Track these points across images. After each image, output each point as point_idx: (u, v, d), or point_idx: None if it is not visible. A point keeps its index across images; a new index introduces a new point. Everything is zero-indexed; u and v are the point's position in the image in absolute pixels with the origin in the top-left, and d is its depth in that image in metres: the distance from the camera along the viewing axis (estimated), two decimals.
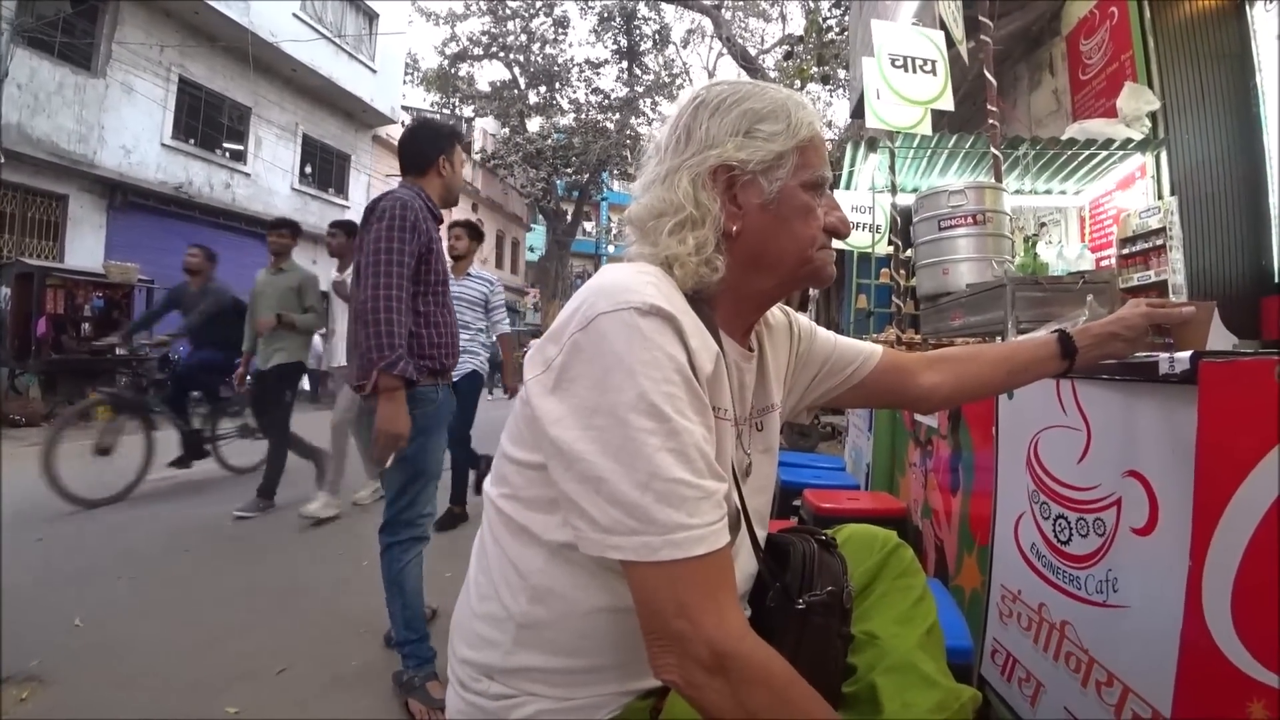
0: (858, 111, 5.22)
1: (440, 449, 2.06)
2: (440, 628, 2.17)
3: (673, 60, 23.49)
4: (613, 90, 23.43)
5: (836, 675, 0.82)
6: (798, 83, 12.65)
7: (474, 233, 3.95)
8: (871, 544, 0.99)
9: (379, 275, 1.79)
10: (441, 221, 2.08)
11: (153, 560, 3.06)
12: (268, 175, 13.26)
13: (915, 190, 4.76)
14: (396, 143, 2.15)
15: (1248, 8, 3.77)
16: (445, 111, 24.15)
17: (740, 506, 0.80)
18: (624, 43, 22.70)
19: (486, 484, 0.82)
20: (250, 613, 2.50)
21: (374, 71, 15.66)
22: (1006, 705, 1.47)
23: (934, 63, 4.34)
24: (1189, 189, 3.83)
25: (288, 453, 4.16)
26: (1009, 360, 1.07)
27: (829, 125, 17.55)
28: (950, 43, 4.29)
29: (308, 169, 14.72)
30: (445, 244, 3.21)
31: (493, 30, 22.05)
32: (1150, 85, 3.97)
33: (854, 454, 3.61)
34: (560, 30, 22.57)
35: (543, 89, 22.93)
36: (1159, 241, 3.62)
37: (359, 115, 15.97)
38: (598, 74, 23.37)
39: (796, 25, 18.22)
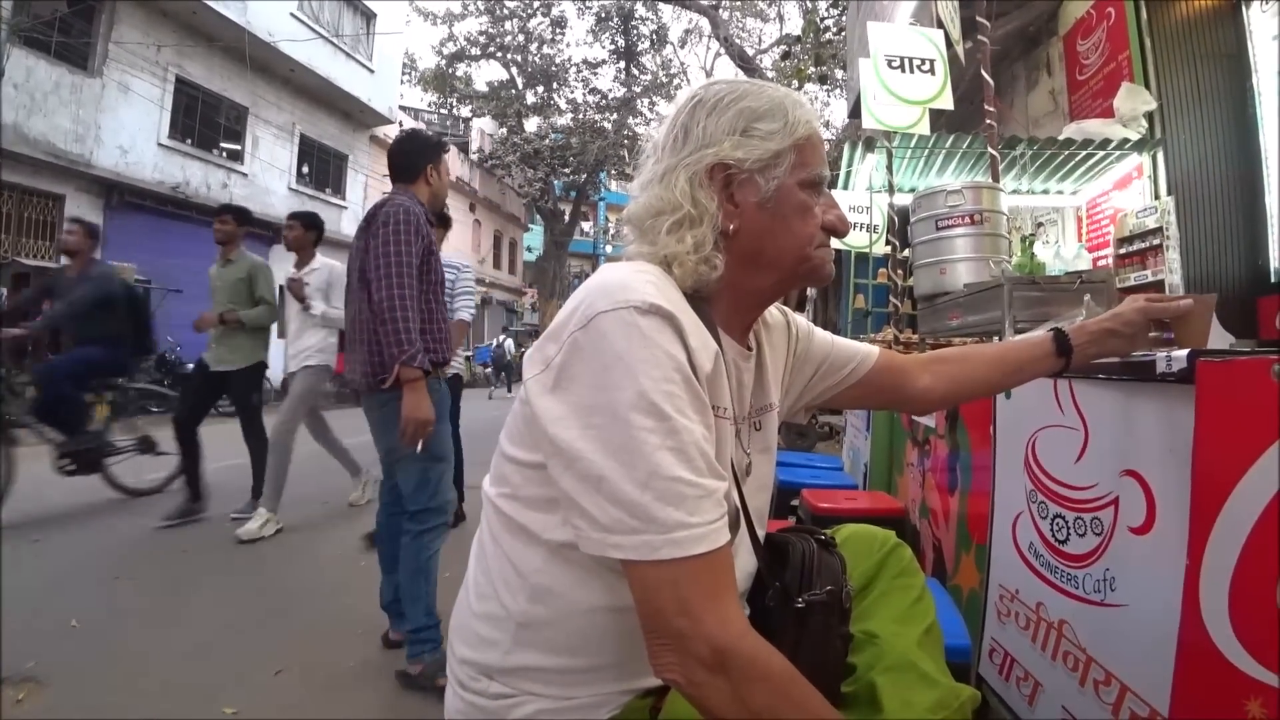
0: (855, 111, 5.24)
1: (449, 435, 2.21)
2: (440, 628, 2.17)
3: (670, 60, 23.57)
4: (610, 90, 23.53)
5: (836, 674, 0.82)
6: (795, 83, 12.67)
7: (441, 219, 3.70)
8: (870, 544, 1.00)
9: (391, 277, 1.93)
10: (435, 226, 2.21)
11: (150, 561, 3.05)
12: (265, 175, 13.24)
13: (913, 190, 4.77)
14: (388, 150, 2.33)
15: (1244, 8, 3.78)
16: (443, 111, 24.16)
17: (740, 505, 0.80)
18: (621, 43, 22.75)
19: (485, 483, 0.82)
20: (247, 613, 2.50)
21: (371, 71, 15.65)
22: (1005, 704, 1.47)
23: (932, 62, 4.35)
24: (1186, 189, 3.84)
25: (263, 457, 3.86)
26: (1004, 359, 1.07)
27: (826, 125, 17.55)
28: (949, 42, 4.30)
29: (305, 169, 14.71)
30: None
31: (490, 30, 22.09)
32: (1147, 85, 3.99)
33: (852, 454, 3.62)
34: (558, 30, 22.63)
35: (540, 89, 22.97)
36: (1156, 241, 3.63)
37: (356, 115, 15.96)
38: (595, 74, 23.47)
39: (794, 25, 18.26)
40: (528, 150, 21.82)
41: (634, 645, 0.66)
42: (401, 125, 17.82)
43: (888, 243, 5.11)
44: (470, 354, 19.74)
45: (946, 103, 4.33)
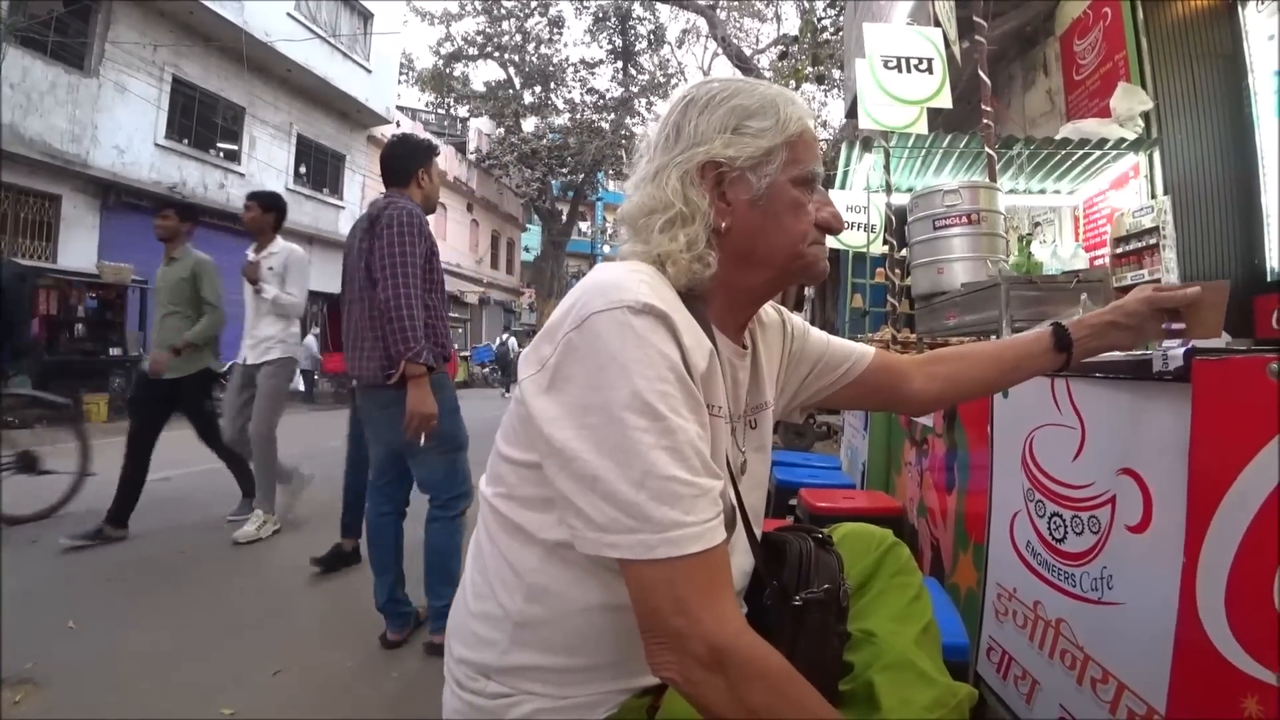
0: (853, 111, 5.24)
1: (462, 423, 2.31)
2: None
3: (668, 60, 23.60)
4: (608, 90, 23.54)
5: (833, 673, 0.82)
6: (793, 83, 12.68)
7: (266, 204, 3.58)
8: (868, 542, 1.00)
9: (397, 276, 2.01)
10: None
11: (147, 563, 3.05)
12: (262, 175, 13.21)
13: (910, 190, 4.77)
14: (380, 155, 2.38)
15: (1240, 8, 3.78)
16: (440, 111, 24.14)
17: (736, 503, 0.80)
18: (619, 43, 22.76)
19: (482, 483, 0.82)
20: (245, 614, 2.49)
21: (369, 71, 15.63)
22: (1002, 703, 1.47)
23: (930, 61, 4.35)
24: (1182, 188, 3.85)
25: (240, 454, 3.70)
26: (1001, 357, 1.06)
27: (824, 125, 17.58)
28: (946, 42, 4.30)
29: (302, 169, 14.69)
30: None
31: (488, 30, 22.08)
32: (1143, 85, 3.99)
33: (849, 453, 3.62)
34: (555, 30, 22.63)
35: (538, 89, 22.97)
36: (1152, 241, 3.64)
37: (354, 115, 15.94)
38: (593, 74, 23.49)
39: (791, 25, 18.25)
40: (525, 150, 21.82)
41: (631, 644, 0.66)
42: (399, 125, 17.84)
43: (885, 242, 5.11)
44: (468, 354, 19.74)
45: (945, 101, 4.33)
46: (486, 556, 0.79)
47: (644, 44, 22.94)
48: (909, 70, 4.30)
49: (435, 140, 21.20)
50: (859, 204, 5.85)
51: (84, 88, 9.87)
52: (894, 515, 2.28)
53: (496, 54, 22.47)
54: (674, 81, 22.80)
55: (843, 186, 6.14)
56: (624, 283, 0.68)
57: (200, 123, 12.06)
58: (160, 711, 1.82)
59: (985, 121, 3.73)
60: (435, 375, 2.12)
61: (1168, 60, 3.98)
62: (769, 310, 0.97)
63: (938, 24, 4.36)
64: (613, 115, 22.90)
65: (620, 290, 0.67)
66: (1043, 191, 4.89)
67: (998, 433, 1.60)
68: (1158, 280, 3.57)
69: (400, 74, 19.47)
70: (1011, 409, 1.53)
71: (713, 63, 23.01)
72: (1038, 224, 5.01)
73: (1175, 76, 3.96)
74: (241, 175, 12.73)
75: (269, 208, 3.60)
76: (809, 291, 11.19)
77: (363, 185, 16.66)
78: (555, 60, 22.90)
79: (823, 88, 15.65)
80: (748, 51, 17.82)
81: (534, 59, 22.58)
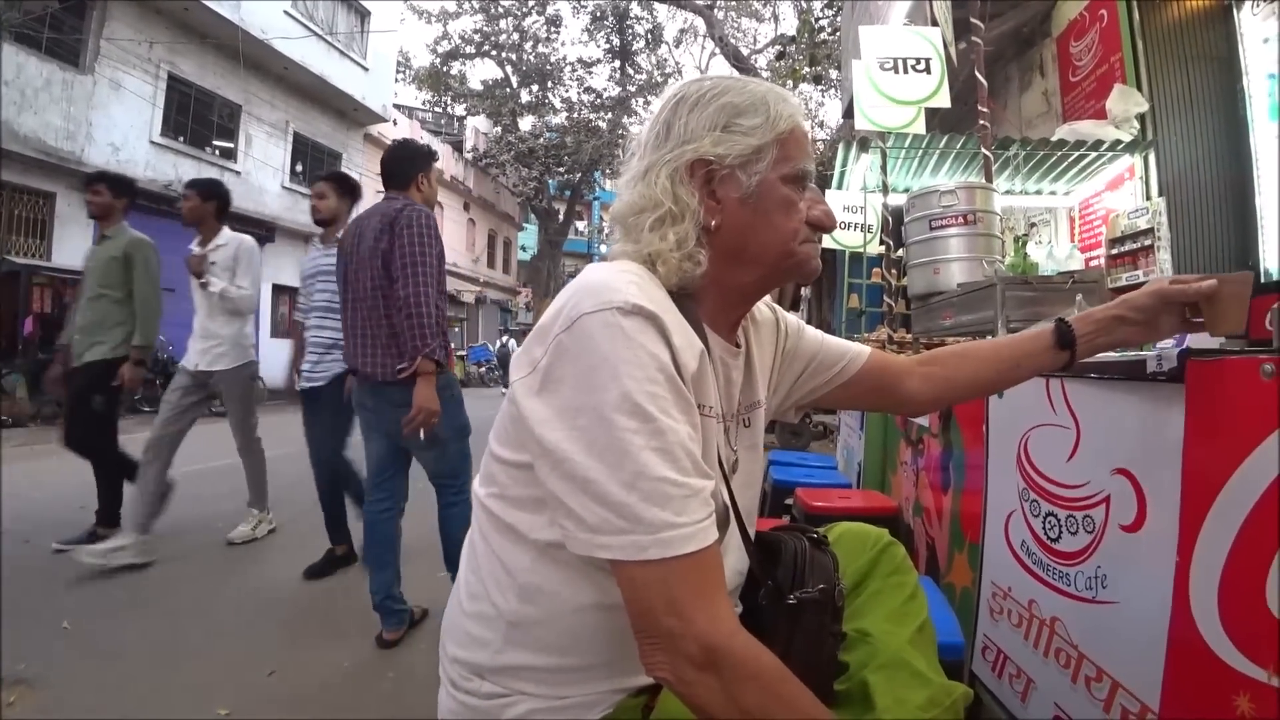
0: (850, 112, 5.25)
1: (465, 412, 2.39)
2: (432, 627, 2.17)
3: (665, 60, 23.59)
4: (605, 89, 23.50)
5: (828, 672, 0.82)
6: (790, 83, 12.68)
7: (344, 187, 3.08)
8: (863, 542, 1.00)
9: (418, 275, 2.10)
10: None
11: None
12: (258, 173, 13.17)
13: (907, 190, 4.78)
14: (380, 158, 2.44)
15: (1235, 10, 3.80)
16: (437, 110, 24.09)
17: (730, 503, 0.80)
18: (616, 42, 22.73)
19: (475, 484, 0.82)
20: (240, 614, 2.49)
21: (365, 69, 15.59)
22: (998, 701, 1.48)
23: (928, 61, 4.36)
24: (1177, 190, 3.87)
25: (121, 471, 3.25)
26: (999, 357, 1.02)
27: (821, 125, 17.59)
28: (944, 41, 4.31)
29: (299, 167, 14.63)
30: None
31: (485, 28, 22.04)
32: (1139, 87, 4.01)
33: (846, 453, 3.63)
34: (553, 29, 22.58)
35: (535, 88, 22.94)
36: (1147, 242, 3.65)
37: (350, 113, 15.90)
38: (590, 73, 23.42)
39: (789, 25, 18.26)
40: (522, 149, 21.80)
41: (625, 644, 0.66)
42: (395, 123, 17.81)
43: (882, 242, 5.13)
44: (464, 353, 19.72)
45: (943, 100, 4.33)
46: (480, 556, 0.79)
47: (641, 43, 22.92)
48: (906, 71, 4.31)
49: (432, 138, 21.07)
50: (856, 204, 5.86)
51: (79, 85, 9.82)
52: (890, 515, 2.28)
53: (494, 52, 22.44)
54: (671, 81, 22.78)
55: (840, 187, 6.15)
56: (613, 283, 0.68)
57: (196, 120, 12.01)
58: (156, 712, 1.81)
59: (982, 122, 3.74)
60: (443, 373, 2.19)
61: (1163, 62, 4.00)
62: (763, 308, 0.96)
63: (935, 23, 4.37)
64: (610, 114, 22.88)
65: (610, 291, 0.67)
66: (1039, 192, 4.91)
67: (993, 433, 1.61)
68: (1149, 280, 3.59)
69: (397, 72, 19.43)
70: (1007, 409, 1.54)
71: (710, 62, 23.03)
72: (1034, 225, 5.02)
73: (1170, 79, 3.98)
74: (238, 173, 12.69)
75: (209, 195, 3.30)
76: (805, 291, 11.20)
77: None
78: (552, 59, 22.88)
79: (820, 88, 15.67)
80: (745, 51, 17.83)
81: (531, 58, 22.55)
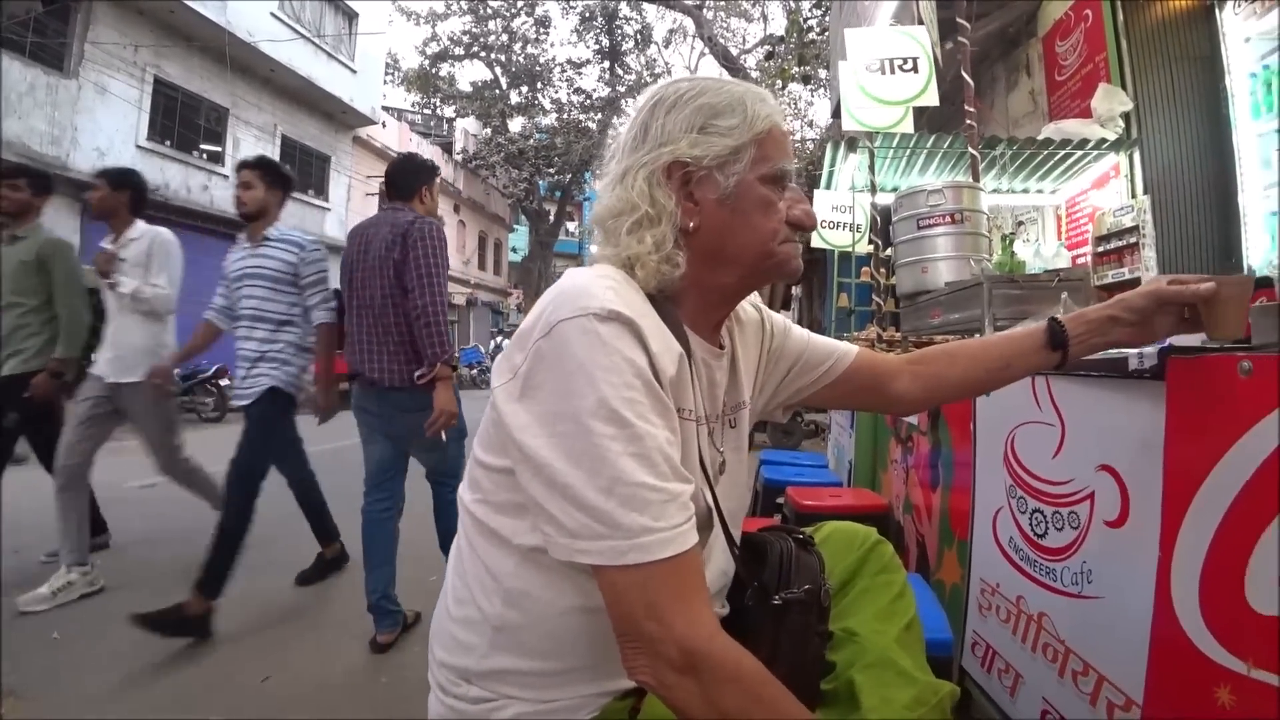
0: (838, 111, 5.27)
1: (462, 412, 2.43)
2: (424, 632, 2.16)
3: (655, 60, 23.55)
4: (595, 90, 23.49)
5: (815, 672, 0.83)
6: (779, 83, 12.72)
7: (273, 176, 2.72)
8: (851, 541, 1.00)
9: (432, 286, 2.19)
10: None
11: (130, 569, 3.01)
12: None
13: (895, 189, 4.81)
14: (385, 170, 2.52)
15: (1217, 10, 3.84)
16: (426, 112, 24.00)
17: (713, 505, 0.80)
18: (606, 42, 22.73)
19: (461, 489, 0.82)
20: (232, 620, 2.47)
21: (354, 72, 15.52)
22: (987, 696, 1.49)
23: (915, 60, 4.37)
24: (1161, 188, 3.91)
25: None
26: (989, 356, 1.00)
27: (810, 125, 17.65)
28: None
29: (287, 170, 14.55)
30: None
31: (474, 30, 21.99)
32: (1123, 86, 4.04)
33: (836, 451, 3.65)
34: (542, 30, 22.57)
35: (524, 89, 22.91)
36: (1132, 239, 3.68)
37: (339, 116, 15.82)
38: (580, 74, 23.42)
39: (778, 25, 18.34)
40: (512, 150, 21.75)
41: (609, 647, 0.66)
42: (384, 125, 17.73)
43: (870, 242, 5.15)
44: (457, 355, 19.62)
45: (932, 99, 4.34)
46: (465, 561, 0.79)
47: (631, 44, 22.93)
48: (893, 72, 4.33)
49: (421, 140, 20.95)
50: (844, 204, 5.88)
51: (63, 89, 9.73)
52: (880, 512, 2.29)
53: (483, 54, 22.38)
54: (661, 82, 22.81)
55: (828, 186, 6.18)
56: (591, 289, 0.68)
57: (183, 124, 11.92)
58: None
59: (969, 122, 3.77)
60: (458, 377, 2.34)
61: (1147, 62, 4.04)
62: (748, 308, 0.96)
63: (922, 22, 4.40)
64: (600, 115, 22.87)
65: (586, 297, 0.67)
66: (1025, 191, 4.95)
67: (980, 430, 1.62)
68: (1137, 278, 3.62)
69: (386, 74, 19.35)
70: (994, 407, 1.55)
71: (699, 63, 23.05)
72: (1021, 223, 5.06)
73: (1154, 78, 4.02)
74: (225, 177, 12.59)
75: (121, 185, 2.93)
76: (796, 290, 11.25)
77: (348, 187, 16.54)
78: (542, 60, 22.84)
79: (809, 87, 15.71)
80: (734, 51, 17.86)
81: (520, 59, 22.51)
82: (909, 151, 4.63)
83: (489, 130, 22.83)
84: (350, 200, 16.62)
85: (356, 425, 2.41)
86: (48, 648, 2.22)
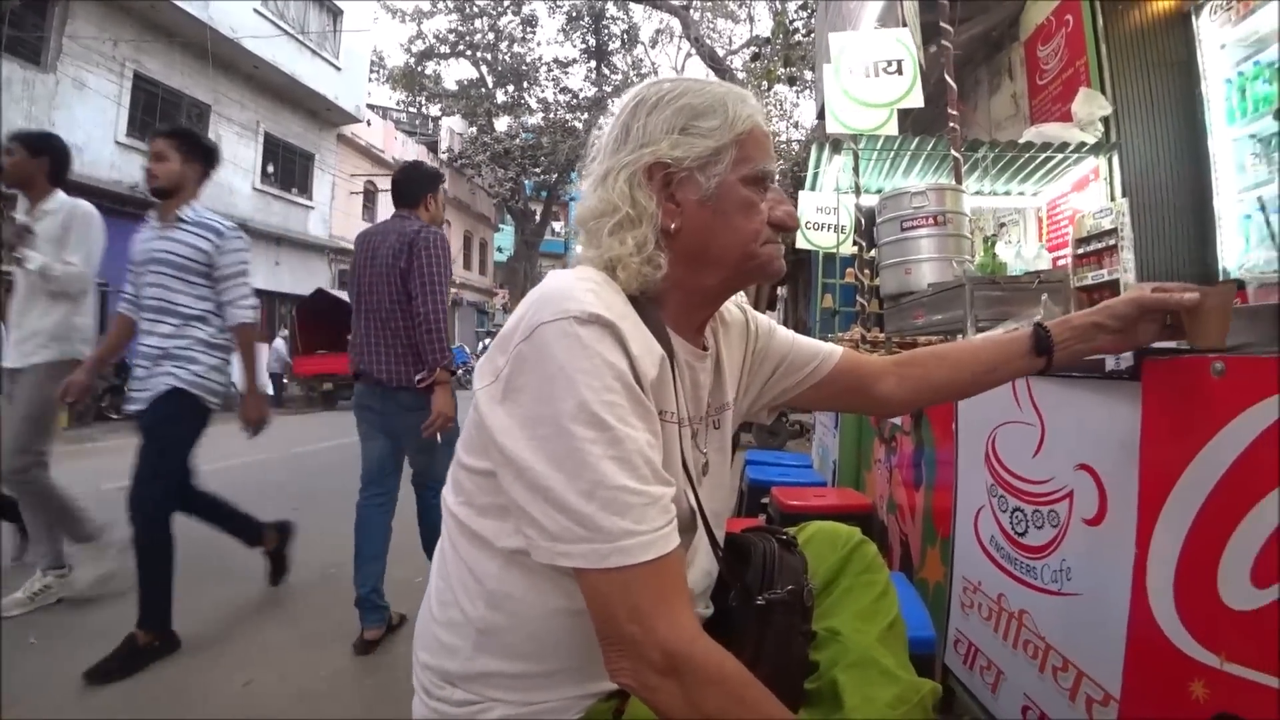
0: (823, 113, 5.31)
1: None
2: (410, 634, 2.15)
3: (641, 60, 23.59)
4: (581, 90, 23.47)
5: (799, 672, 0.83)
6: (765, 84, 12.76)
7: (191, 148, 2.38)
8: (835, 541, 1.00)
9: (435, 294, 2.26)
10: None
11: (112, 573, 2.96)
12: (228, 175, 12.90)
13: (879, 191, 4.85)
14: (391, 177, 2.56)
15: (1194, 17, 3.91)
16: (411, 110, 23.85)
17: (696, 507, 0.80)
18: (592, 42, 22.71)
19: (445, 491, 0.82)
20: (213, 624, 2.45)
21: (338, 69, 15.41)
22: (969, 693, 1.51)
23: (900, 62, 4.39)
24: (1139, 191, 3.97)
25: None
26: (976, 360, 1.00)
27: (795, 126, 17.75)
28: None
29: (270, 168, 14.41)
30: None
31: (460, 28, 21.88)
32: (1103, 91, 4.10)
33: (821, 451, 3.67)
34: (528, 29, 22.51)
35: (510, 88, 22.83)
36: (1112, 242, 3.74)
37: (323, 114, 15.70)
38: (566, 73, 23.38)
39: (764, 27, 18.41)
40: (498, 149, 21.67)
41: (593, 649, 0.66)
42: (369, 124, 17.59)
43: (855, 243, 5.18)
44: None
45: (916, 100, 4.36)
46: (449, 564, 0.78)
47: (617, 44, 22.93)
48: (878, 74, 4.35)
49: (407, 138, 20.77)
50: (829, 205, 5.92)
51: (40, 84, 9.57)
52: (864, 512, 2.31)
53: (469, 52, 22.29)
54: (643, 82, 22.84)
55: (813, 188, 6.21)
56: (571, 292, 0.68)
57: (163, 120, 11.70)
58: None
59: (952, 125, 3.81)
60: (456, 380, 2.39)
61: (1126, 67, 4.10)
62: (732, 309, 0.96)
63: (906, 24, 4.43)
64: (586, 115, 22.85)
65: (567, 300, 0.67)
66: (1007, 193, 5.01)
67: (962, 430, 1.64)
68: (1116, 280, 3.67)
69: (371, 72, 19.22)
70: (975, 406, 1.56)
71: (686, 63, 23.14)
72: (1003, 225, 5.12)
73: (1133, 83, 4.09)
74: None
75: (38, 151, 2.62)
76: (782, 291, 11.30)
77: (332, 185, 16.41)
78: (528, 59, 22.79)
79: (795, 89, 15.79)
80: (721, 52, 17.92)
81: (507, 58, 22.43)
82: (893, 153, 4.67)
83: (475, 129, 22.74)
84: (334, 199, 16.48)
85: (356, 424, 2.44)
86: (24, 653, 2.18)
